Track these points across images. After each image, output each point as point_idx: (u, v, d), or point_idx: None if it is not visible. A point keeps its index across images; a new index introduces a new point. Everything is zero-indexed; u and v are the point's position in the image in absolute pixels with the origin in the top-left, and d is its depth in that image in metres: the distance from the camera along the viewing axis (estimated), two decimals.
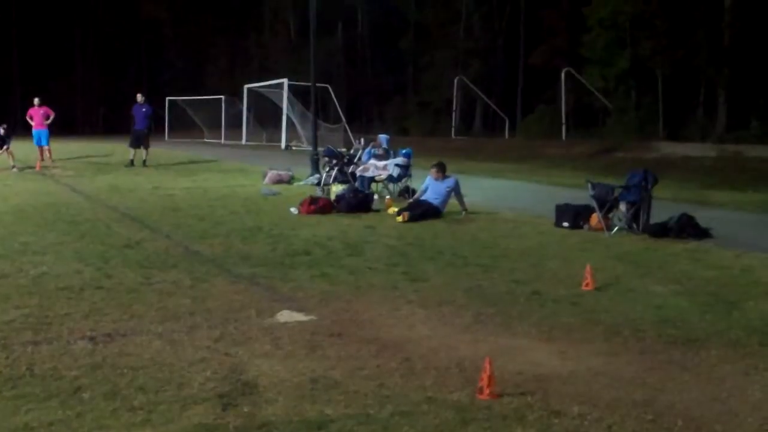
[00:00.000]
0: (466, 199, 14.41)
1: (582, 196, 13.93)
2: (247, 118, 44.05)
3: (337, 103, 40.32)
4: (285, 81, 38.17)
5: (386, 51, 56.85)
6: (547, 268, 9.66)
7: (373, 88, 56.68)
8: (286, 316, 7.07)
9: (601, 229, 12.45)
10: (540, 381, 5.48)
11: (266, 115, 44.14)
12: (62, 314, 6.96)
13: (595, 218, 12.68)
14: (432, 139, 41.29)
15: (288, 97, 38.09)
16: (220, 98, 47.16)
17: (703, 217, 12.76)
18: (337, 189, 15.91)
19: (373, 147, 18.25)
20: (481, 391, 5.13)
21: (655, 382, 5.54)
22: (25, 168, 23.06)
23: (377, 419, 4.73)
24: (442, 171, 14.44)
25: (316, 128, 24.24)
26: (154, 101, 34.61)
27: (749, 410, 5.06)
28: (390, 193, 16.92)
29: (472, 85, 47.36)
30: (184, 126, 50.73)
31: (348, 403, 4.98)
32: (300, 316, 7.07)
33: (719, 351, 6.26)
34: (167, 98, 50.70)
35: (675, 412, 4.96)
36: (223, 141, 44.94)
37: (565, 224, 12.93)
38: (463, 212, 14.16)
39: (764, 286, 8.72)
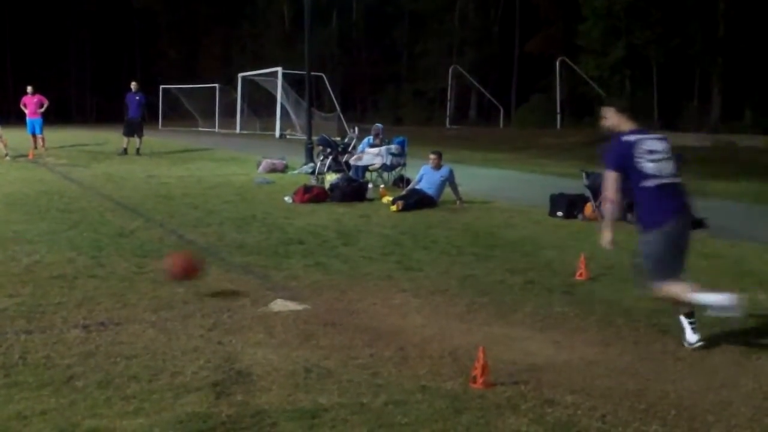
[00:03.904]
0: (460, 189, 14.40)
1: (576, 185, 13.96)
2: (241, 106, 43.95)
3: (331, 92, 40.27)
4: (279, 70, 38.10)
5: (381, 39, 56.80)
6: (541, 257, 9.67)
7: (368, 76, 56.58)
8: (279, 305, 7.07)
9: (596, 219, 12.45)
10: (533, 370, 5.48)
11: (260, 104, 44.08)
12: (55, 303, 6.95)
13: (590, 208, 12.70)
14: (427, 129, 41.28)
15: (282, 86, 38.01)
16: (214, 87, 47.03)
17: (696, 206, 12.75)
18: (331, 178, 15.89)
19: (374, 137, 18.22)
20: (474, 380, 5.13)
21: (648, 372, 5.55)
22: (18, 156, 22.97)
23: (371, 408, 4.73)
24: (440, 158, 14.47)
25: (310, 117, 24.20)
26: (148, 90, 34.50)
27: (742, 400, 5.07)
28: (384, 182, 16.91)
29: (466, 74, 47.32)
30: (177, 114, 50.62)
31: (342, 392, 4.98)
32: (294, 305, 7.06)
33: (712, 341, 6.27)
34: (161, 86, 50.57)
35: (668, 402, 4.97)
36: (217, 129, 44.85)
37: (560, 214, 12.95)
38: (458, 202, 14.16)
39: (757, 276, 8.75)
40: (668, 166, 6.01)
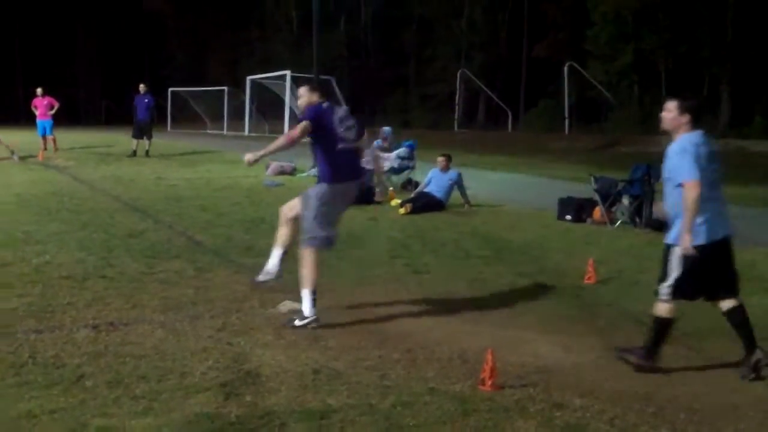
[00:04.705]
0: (468, 192, 14.40)
1: (585, 189, 13.95)
2: (250, 109, 43.98)
3: (339, 96, 40.26)
4: (288, 73, 38.14)
5: (389, 43, 56.78)
6: (550, 261, 9.66)
7: (376, 80, 56.57)
8: (288, 306, 7.07)
9: (604, 223, 12.46)
10: (542, 373, 5.49)
11: (269, 107, 44.06)
12: (65, 303, 6.97)
13: (598, 212, 12.69)
14: (434, 132, 41.24)
15: (291, 89, 38.03)
16: (223, 89, 47.07)
17: None
18: None
19: (382, 140, 18.26)
20: (483, 382, 5.13)
21: (657, 376, 5.54)
22: (28, 157, 23.02)
23: (379, 410, 4.74)
24: (449, 161, 14.49)
25: None
26: (157, 92, 34.56)
27: (751, 404, 5.06)
28: (393, 185, 16.91)
29: (475, 79, 47.26)
30: (186, 117, 50.70)
31: (350, 393, 4.99)
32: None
33: (722, 345, 6.25)
34: (170, 89, 50.66)
35: (677, 406, 4.97)
36: (225, 132, 44.88)
37: (568, 217, 12.93)
38: (466, 205, 14.16)
39: (766, 281, 8.72)
40: (352, 134, 6.80)
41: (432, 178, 14.41)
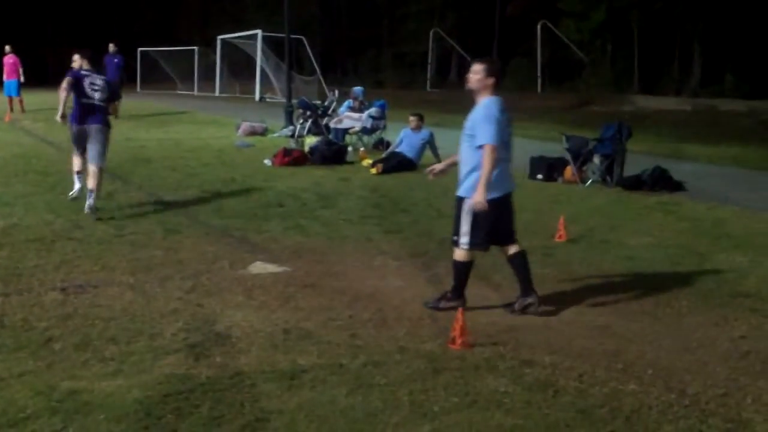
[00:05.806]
0: (440, 152, 14.37)
1: (556, 148, 13.97)
2: (221, 69, 43.53)
3: (311, 55, 39.93)
4: (259, 32, 37.72)
5: (362, 2, 56.31)
6: (521, 220, 9.55)
7: (348, 40, 56.18)
8: (259, 267, 7.06)
9: (575, 182, 12.50)
10: (512, 331, 5.51)
11: (240, 67, 43.64)
12: (33, 266, 6.90)
13: (570, 171, 12.73)
14: (407, 92, 41.08)
15: (262, 49, 37.67)
16: (193, 49, 46.55)
17: (676, 170, 12.84)
18: (310, 141, 15.82)
19: (353, 100, 18.20)
20: (453, 341, 5.15)
21: (625, 332, 5.59)
22: None
23: (349, 369, 4.74)
24: (421, 120, 14.43)
25: (290, 80, 24.03)
26: (126, 51, 34.08)
27: (718, 360, 5.11)
28: (364, 145, 16.85)
29: (447, 38, 47.05)
30: (156, 77, 50.04)
31: (321, 353, 4.99)
32: (273, 268, 7.06)
33: (690, 302, 6.33)
34: (139, 49, 50.00)
35: (645, 362, 5.01)
36: (196, 93, 44.46)
37: (539, 177, 12.96)
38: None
39: (735, 239, 8.81)
40: (96, 95, 9.48)
41: (403, 138, 14.36)
